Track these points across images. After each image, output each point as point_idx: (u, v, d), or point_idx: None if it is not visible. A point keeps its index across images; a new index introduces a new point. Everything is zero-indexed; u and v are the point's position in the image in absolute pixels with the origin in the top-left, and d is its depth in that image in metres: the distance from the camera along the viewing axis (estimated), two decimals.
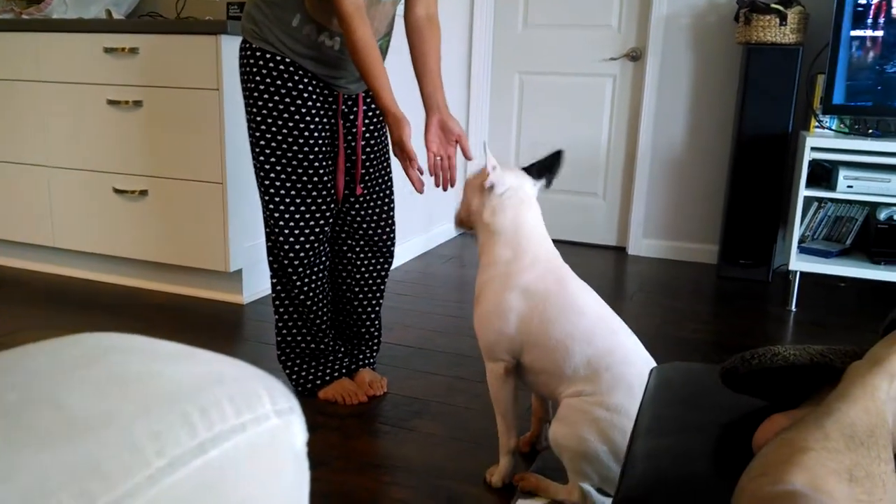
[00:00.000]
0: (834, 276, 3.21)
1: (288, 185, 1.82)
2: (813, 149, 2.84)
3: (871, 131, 3.01)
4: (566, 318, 1.43)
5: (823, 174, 3.02)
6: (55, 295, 2.84)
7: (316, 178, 1.83)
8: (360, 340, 2.10)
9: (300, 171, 1.81)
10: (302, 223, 1.85)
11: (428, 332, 2.54)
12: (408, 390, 2.07)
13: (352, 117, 1.92)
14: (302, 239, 1.86)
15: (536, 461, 1.69)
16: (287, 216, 1.84)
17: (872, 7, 2.81)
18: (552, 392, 1.47)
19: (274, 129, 1.78)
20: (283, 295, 1.94)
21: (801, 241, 3.05)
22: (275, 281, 1.94)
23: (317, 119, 1.81)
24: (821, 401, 0.66)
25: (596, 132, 3.80)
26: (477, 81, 3.94)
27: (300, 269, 1.89)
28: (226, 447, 0.39)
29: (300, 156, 1.80)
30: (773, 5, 3.02)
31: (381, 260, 2.04)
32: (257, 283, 2.83)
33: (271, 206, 1.84)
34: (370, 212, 1.98)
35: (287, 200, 1.83)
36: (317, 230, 1.88)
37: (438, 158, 1.75)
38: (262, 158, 1.82)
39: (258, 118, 1.79)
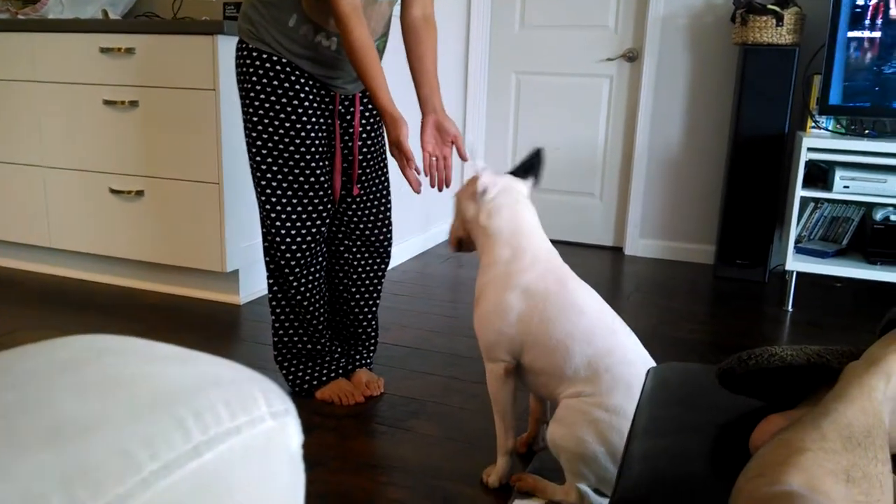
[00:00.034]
0: (830, 277, 3.22)
1: (284, 185, 1.82)
2: (809, 149, 2.85)
3: (867, 132, 3.01)
4: (566, 318, 1.43)
5: (820, 174, 3.03)
6: (51, 295, 2.83)
7: (313, 179, 1.83)
8: (357, 341, 2.10)
9: (297, 171, 1.81)
10: (299, 223, 1.85)
11: (425, 332, 2.53)
12: (404, 390, 2.07)
13: (348, 118, 1.91)
14: (298, 239, 1.86)
15: (533, 462, 1.69)
16: (284, 216, 1.84)
17: (870, 8, 2.81)
18: (552, 392, 1.47)
19: (270, 129, 1.78)
20: (279, 295, 1.94)
21: (797, 242, 3.06)
22: (271, 281, 1.94)
23: (313, 119, 1.81)
24: (818, 401, 0.66)
25: (593, 132, 3.81)
26: (474, 81, 3.94)
27: (297, 270, 1.88)
28: (221, 450, 0.39)
29: (297, 156, 1.80)
30: (770, 6, 3.02)
31: (378, 260, 2.04)
32: (254, 284, 2.83)
33: (268, 207, 1.84)
34: (367, 212, 1.98)
35: (284, 201, 1.83)
36: (313, 230, 1.87)
37: (434, 159, 1.75)
38: (258, 159, 1.81)
39: (255, 118, 1.78)
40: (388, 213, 2.03)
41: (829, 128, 3.07)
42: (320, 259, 1.94)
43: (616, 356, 1.39)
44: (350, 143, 1.92)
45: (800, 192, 2.89)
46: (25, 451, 0.33)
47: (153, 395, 0.39)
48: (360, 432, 1.83)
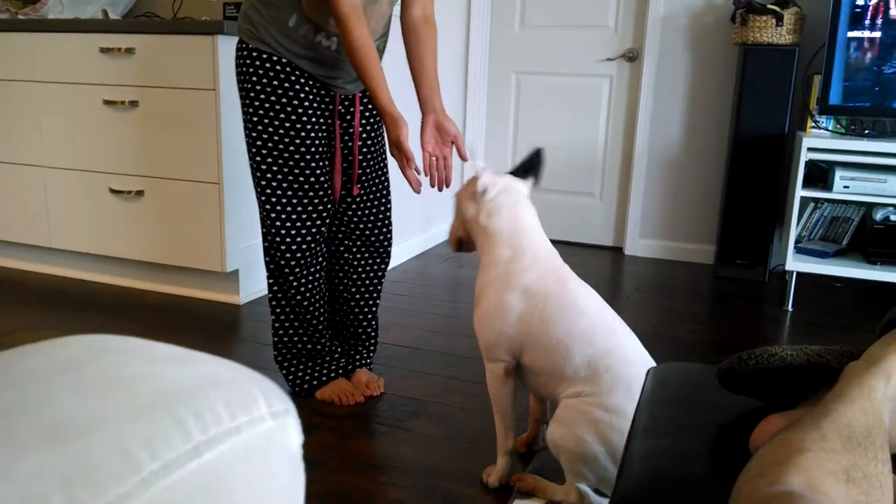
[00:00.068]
0: (830, 277, 3.22)
1: (284, 185, 1.82)
2: (809, 149, 2.85)
3: (867, 132, 3.01)
4: (566, 318, 1.43)
5: (820, 174, 3.03)
6: (51, 295, 2.83)
7: (313, 179, 1.83)
8: (357, 341, 2.10)
9: (297, 171, 1.81)
10: (299, 224, 1.85)
11: (425, 332, 2.53)
12: (404, 390, 2.07)
13: (348, 117, 1.91)
14: (299, 239, 1.86)
15: (533, 462, 1.69)
16: (284, 217, 1.84)
17: (870, 8, 2.81)
18: (552, 392, 1.47)
19: (270, 129, 1.78)
20: (279, 295, 1.94)
21: (797, 242, 3.06)
22: (271, 281, 1.94)
23: (313, 119, 1.81)
24: (818, 401, 0.66)
25: (593, 132, 3.81)
26: (474, 81, 3.94)
27: (297, 270, 1.88)
28: (221, 450, 0.39)
29: (297, 156, 1.80)
30: (770, 6, 3.02)
31: (378, 260, 2.04)
32: (254, 284, 2.83)
33: (268, 207, 1.84)
34: (367, 212, 1.98)
35: (284, 201, 1.83)
36: (313, 230, 1.87)
37: (434, 159, 1.75)
38: (258, 159, 1.81)
39: (255, 118, 1.78)
40: (388, 213, 2.03)
41: (829, 128, 3.07)
42: (320, 259, 1.94)
43: (616, 356, 1.39)
44: (350, 143, 1.92)
45: (800, 192, 2.89)
46: (25, 451, 0.33)
47: (153, 395, 0.39)
48: (360, 432, 1.83)
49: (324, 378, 2.00)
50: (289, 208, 1.83)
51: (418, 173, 1.70)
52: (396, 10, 1.88)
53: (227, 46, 2.51)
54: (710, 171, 3.59)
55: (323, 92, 1.85)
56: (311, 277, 1.92)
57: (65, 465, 0.33)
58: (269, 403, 0.43)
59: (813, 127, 3.09)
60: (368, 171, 1.96)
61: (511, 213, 1.53)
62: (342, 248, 2.02)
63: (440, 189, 1.78)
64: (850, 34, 2.85)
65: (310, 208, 1.85)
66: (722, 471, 0.74)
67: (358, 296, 2.05)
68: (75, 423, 0.36)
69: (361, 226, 1.98)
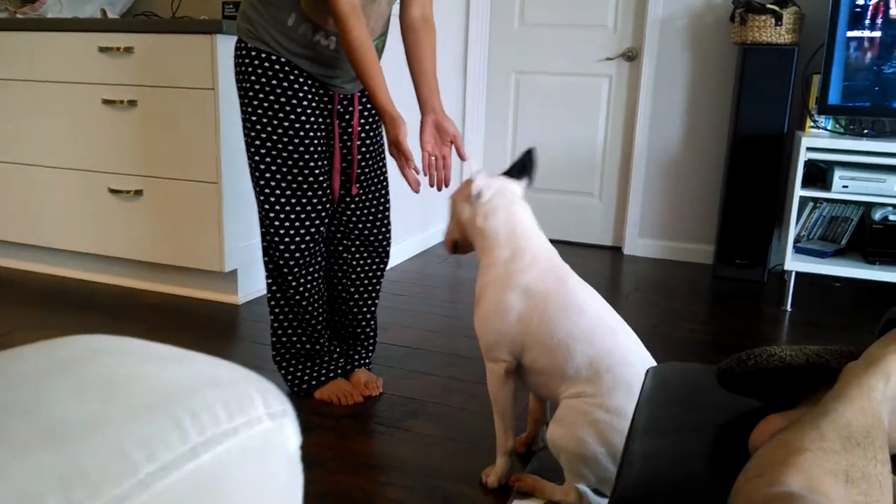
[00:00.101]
0: (829, 277, 3.22)
1: (283, 185, 1.81)
2: (808, 149, 2.85)
3: (866, 131, 3.01)
4: (566, 317, 1.43)
5: (819, 174, 3.03)
6: (50, 295, 2.83)
7: (311, 178, 1.83)
8: (356, 341, 2.10)
9: (296, 171, 1.81)
10: (297, 223, 1.85)
11: (424, 332, 2.53)
12: (403, 391, 2.07)
13: (347, 117, 1.91)
14: (297, 239, 1.86)
15: (532, 462, 1.69)
16: (283, 216, 1.83)
17: (870, 8, 2.81)
18: (552, 393, 1.47)
19: (269, 128, 1.78)
20: (278, 295, 1.94)
21: (796, 241, 3.06)
22: (270, 281, 1.94)
23: (312, 119, 1.81)
24: (817, 401, 0.66)
25: (592, 132, 3.80)
26: (473, 81, 3.94)
27: (295, 270, 1.88)
28: (218, 451, 0.39)
29: (296, 156, 1.80)
30: (769, 6, 3.02)
31: (377, 260, 2.04)
32: (252, 284, 2.83)
33: (266, 207, 1.83)
34: (366, 212, 1.98)
35: (283, 200, 1.82)
36: (312, 230, 1.87)
37: (433, 158, 1.75)
38: (257, 158, 1.81)
39: (254, 118, 1.78)
40: (387, 213, 2.03)
41: (829, 127, 3.07)
42: (319, 259, 1.94)
43: (617, 356, 1.39)
44: (349, 143, 1.92)
45: (799, 192, 2.89)
46: (22, 451, 0.33)
47: (150, 396, 0.39)
48: (358, 432, 1.83)
49: (322, 378, 2.00)
50: (287, 208, 1.83)
51: (417, 173, 1.70)
52: (396, 9, 1.87)
53: (226, 46, 2.51)
54: (709, 170, 3.59)
55: (322, 91, 1.85)
56: (309, 277, 1.92)
57: (62, 466, 0.33)
58: (267, 404, 0.43)
59: (812, 127, 3.09)
60: (367, 170, 1.96)
61: (507, 214, 1.53)
62: (341, 248, 2.01)
63: (439, 189, 1.78)
64: (850, 34, 2.85)
65: (308, 208, 1.85)
66: (721, 471, 0.74)
67: (357, 296, 2.05)
68: (72, 423, 0.36)
69: (360, 225, 1.98)
